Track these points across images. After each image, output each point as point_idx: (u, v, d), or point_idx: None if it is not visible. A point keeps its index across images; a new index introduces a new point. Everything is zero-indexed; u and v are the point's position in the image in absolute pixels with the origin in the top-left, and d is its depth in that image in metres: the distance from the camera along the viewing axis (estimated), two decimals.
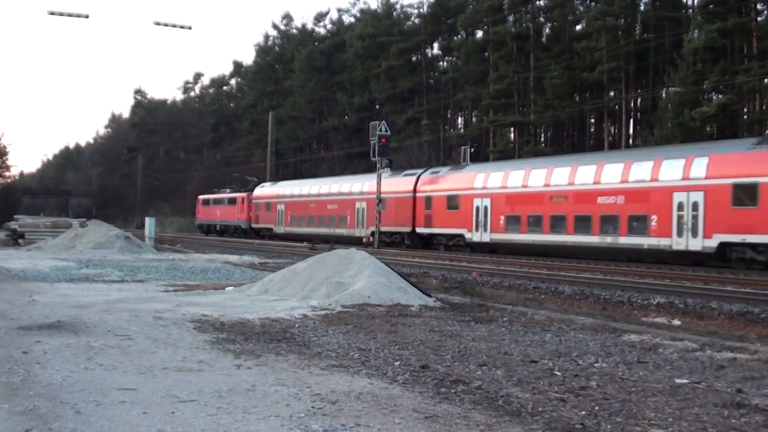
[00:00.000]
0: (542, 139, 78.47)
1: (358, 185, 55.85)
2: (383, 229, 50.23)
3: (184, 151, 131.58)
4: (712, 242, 31.16)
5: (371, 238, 49.32)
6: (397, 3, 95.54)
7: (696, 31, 51.24)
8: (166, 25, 50.64)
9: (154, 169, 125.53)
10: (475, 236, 43.29)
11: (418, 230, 48.94)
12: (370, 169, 55.33)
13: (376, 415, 6.63)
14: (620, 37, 62.29)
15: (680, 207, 32.58)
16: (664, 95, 57.39)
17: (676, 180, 32.92)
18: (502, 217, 41.67)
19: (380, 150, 47.41)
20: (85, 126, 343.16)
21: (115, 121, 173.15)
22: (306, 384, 7.82)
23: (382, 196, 49.88)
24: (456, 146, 68.38)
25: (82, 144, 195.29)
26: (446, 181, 47.50)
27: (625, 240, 34.95)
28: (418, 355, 9.61)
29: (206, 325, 11.91)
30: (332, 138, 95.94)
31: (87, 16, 48.68)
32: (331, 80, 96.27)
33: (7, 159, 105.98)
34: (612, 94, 66.16)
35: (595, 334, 11.88)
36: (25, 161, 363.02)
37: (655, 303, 19.67)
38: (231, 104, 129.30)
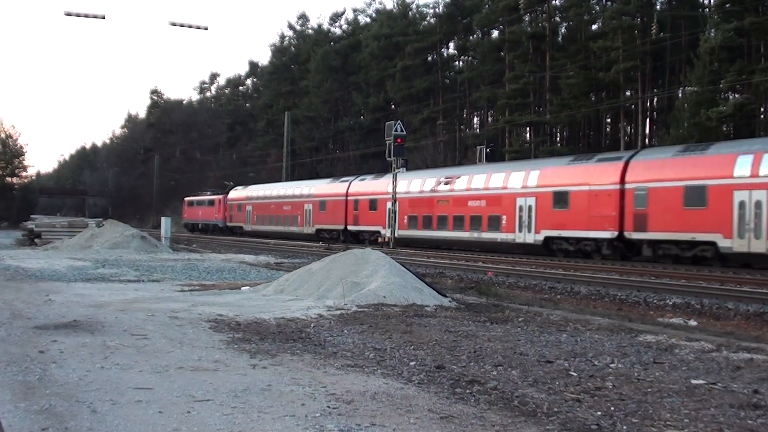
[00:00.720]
0: (558, 138, 78.30)
1: (306, 189, 65.84)
2: (324, 227, 60.67)
3: (200, 151, 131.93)
4: (540, 236, 40.13)
5: (387, 238, 49.49)
6: (412, 3, 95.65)
7: (713, 30, 51.05)
8: (182, 25, 50.70)
9: (170, 169, 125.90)
10: (388, 232, 51.25)
11: (349, 228, 57.29)
12: (385, 169, 56.95)
13: (391, 415, 6.63)
14: (636, 36, 62.11)
15: (521, 209, 41.41)
16: (680, 95, 57.16)
17: (519, 188, 41.78)
18: (406, 217, 51.01)
19: (396, 150, 47.45)
20: (101, 126, 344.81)
21: (131, 121, 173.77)
22: (321, 384, 7.82)
23: (322, 199, 61.71)
24: (472, 146, 68.31)
25: (99, 144, 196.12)
26: (369, 187, 56.42)
27: (486, 235, 44.02)
28: (433, 356, 9.60)
29: (222, 325, 11.94)
30: (348, 138, 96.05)
31: (103, 17, 48.69)
32: (346, 80, 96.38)
33: (24, 159, 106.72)
34: (628, 93, 65.95)
35: (610, 335, 11.85)
36: (42, 161, 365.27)
37: (671, 303, 19.58)
38: (247, 104, 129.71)
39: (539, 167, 42.00)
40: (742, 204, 30.50)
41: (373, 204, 54.64)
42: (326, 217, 60.35)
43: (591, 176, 37.88)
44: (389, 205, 50.78)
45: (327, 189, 61.90)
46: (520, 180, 41.69)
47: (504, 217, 42.40)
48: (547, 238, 39.63)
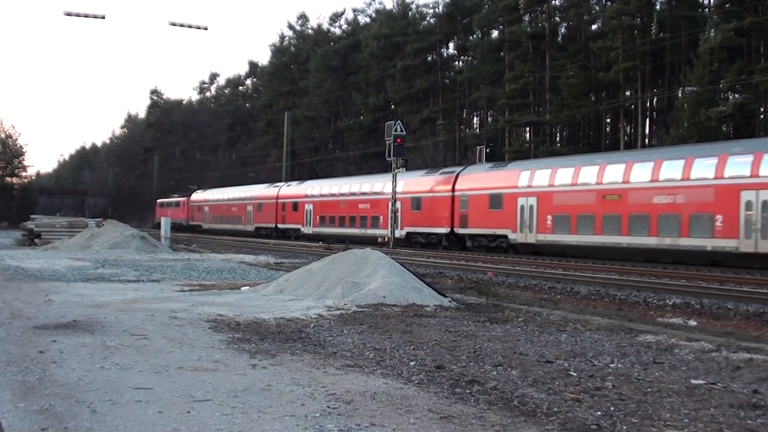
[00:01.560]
0: (558, 138, 78.30)
1: (249, 193, 76.67)
2: (261, 225, 71.45)
3: (200, 151, 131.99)
4: (404, 232, 51.29)
5: (386, 238, 49.60)
6: (412, 3, 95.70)
7: (712, 30, 51.05)
8: (182, 25, 50.74)
9: (170, 170, 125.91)
10: (305, 230, 63.35)
11: (279, 225, 68.20)
12: (385, 169, 57.50)
13: (391, 415, 6.64)
14: (636, 36, 62.15)
15: (415, 205, 51.37)
16: (680, 95, 57.13)
17: (389, 193, 50.52)
18: (317, 217, 62.10)
19: (396, 150, 47.51)
20: (101, 126, 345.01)
21: (131, 121, 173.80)
22: (321, 384, 7.83)
23: (260, 201, 72.75)
24: (471, 146, 68.37)
25: (99, 144, 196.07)
26: (293, 191, 67.76)
27: (370, 231, 54.95)
28: (433, 356, 9.60)
29: (222, 325, 11.94)
30: (348, 138, 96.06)
31: (103, 17, 48.70)
32: (346, 80, 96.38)
33: (23, 159, 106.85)
34: (628, 93, 65.97)
35: (610, 335, 11.85)
36: (42, 161, 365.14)
37: (670, 303, 19.59)
38: (246, 104, 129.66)
39: (404, 178, 52.04)
40: (522, 207, 41.50)
41: (295, 206, 65.88)
42: (262, 216, 71.62)
43: (435, 185, 49.89)
44: (307, 207, 63.69)
45: (263, 193, 73.10)
46: (448, 182, 48.88)
47: (381, 217, 53.83)
48: (408, 233, 51.13)
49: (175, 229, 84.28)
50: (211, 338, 10.74)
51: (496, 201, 43.13)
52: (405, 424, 6.37)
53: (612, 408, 6.99)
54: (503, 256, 38.88)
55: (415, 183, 51.76)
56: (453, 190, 47.17)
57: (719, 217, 31.48)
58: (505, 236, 42.23)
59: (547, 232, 39.58)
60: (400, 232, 50.92)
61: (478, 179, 45.75)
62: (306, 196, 64.07)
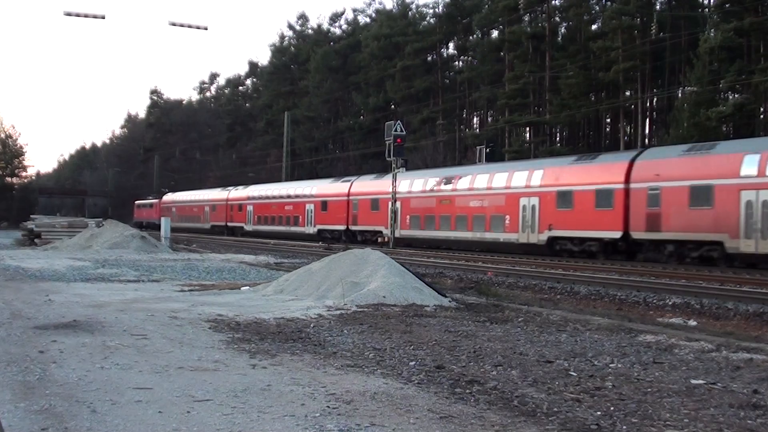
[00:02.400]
0: (558, 138, 78.32)
1: (206, 195, 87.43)
2: (215, 223, 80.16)
3: (200, 151, 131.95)
4: (315, 229, 60.87)
5: (387, 238, 49.59)
6: (412, 3, 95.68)
7: (712, 30, 51.05)
8: (182, 25, 50.64)
9: (170, 170, 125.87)
10: (247, 227, 73.15)
11: (228, 224, 77.49)
12: (385, 169, 57.55)
13: (391, 415, 6.64)
14: (636, 36, 62.15)
15: (323, 207, 60.68)
16: (680, 95, 57.15)
17: (306, 196, 62.48)
18: (256, 216, 72.03)
19: (395, 150, 47.48)
20: (101, 126, 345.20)
21: (131, 121, 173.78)
22: (321, 384, 7.83)
23: (213, 203, 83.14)
24: (471, 146, 68.37)
25: (99, 144, 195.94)
26: (241, 194, 77.08)
27: (293, 228, 64.57)
28: (433, 355, 9.61)
29: (222, 325, 11.94)
30: (348, 138, 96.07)
31: (103, 17, 48.62)
32: (346, 80, 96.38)
33: (23, 159, 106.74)
34: (628, 93, 65.96)
35: (610, 335, 11.85)
36: (42, 161, 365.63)
37: (670, 303, 19.58)
38: (246, 104, 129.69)
39: (317, 184, 64.22)
40: (248, 211, 57.56)
41: (240, 207, 75.75)
42: (216, 216, 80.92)
43: (337, 191, 59.78)
44: (249, 208, 73.79)
45: (217, 196, 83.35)
46: (345, 188, 58.78)
47: (300, 216, 63.77)
48: (319, 230, 60.63)
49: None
50: (211, 338, 10.74)
51: (375, 204, 53.94)
52: (405, 424, 6.37)
53: (612, 408, 7.00)
54: (503, 257, 38.82)
55: (325, 188, 62.31)
56: (348, 194, 57.77)
57: (507, 216, 42.08)
58: (381, 232, 52.52)
59: (405, 229, 50.37)
60: (312, 229, 61.56)
61: (366, 186, 56.57)
62: (248, 198, 74.49)
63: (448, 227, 46.45)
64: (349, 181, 59.84)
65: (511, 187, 42.09)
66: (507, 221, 42.05)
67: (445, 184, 47.78)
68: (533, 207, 40.36)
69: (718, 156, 32.60)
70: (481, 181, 44.79)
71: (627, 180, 35.68)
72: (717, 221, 31.46)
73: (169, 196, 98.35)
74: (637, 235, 35.09)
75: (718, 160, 32.17)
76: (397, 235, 49.20)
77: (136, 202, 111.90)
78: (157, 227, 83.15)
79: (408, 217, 50.46)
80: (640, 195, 35.00)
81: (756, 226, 29.71)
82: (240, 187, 79.73)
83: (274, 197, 69.73)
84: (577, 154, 45.59)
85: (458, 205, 45.94)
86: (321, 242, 54.18)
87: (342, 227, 57.54)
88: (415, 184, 50.71)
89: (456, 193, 46.59)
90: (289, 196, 66.93)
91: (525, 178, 41.47)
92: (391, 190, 48.80)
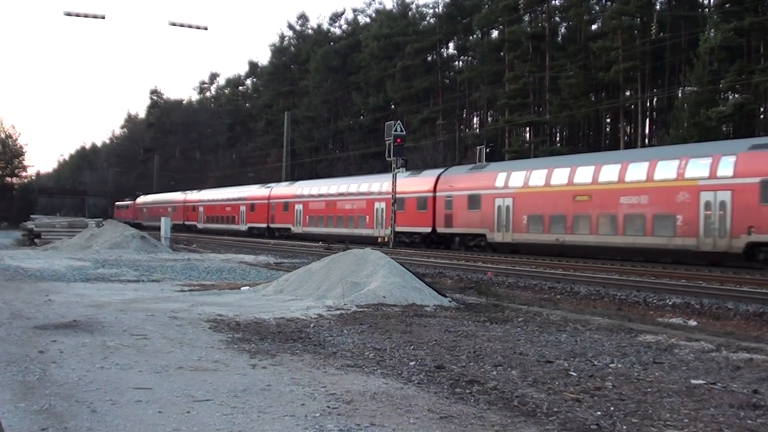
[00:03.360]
0: (558, 138, 78.30)
1: (169, 197, 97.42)
2: (176, 222, 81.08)
3: (200, 151, 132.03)
4: (264, 224, 69.91)
5: (387, 238, 49.52)
6: (412, 3, 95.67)
7: (712, 30, 51.01)
8: (182, 25, 50.60)
9: (170, 170, 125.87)
10: (200, 225, 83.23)
11: (186, 222, 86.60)
12: (385, 169, 57.33)
13: (391, 415, 6.64)
14: (636, 36, 62.15)
15: (251, 208, 72.42)
16: (680, 95, 57.12)
17: (242, 199, 75.14)
18: (205, 216, 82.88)
19: (395, 150, 47.46)
20: (101, 126, 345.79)
21: (131, 121, 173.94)
22: (321, 384, 7.83)
23: (174, 204, 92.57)
24: (471, 146, 68.33)
25: (99, 144, 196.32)
26: (194, 196, 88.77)
27: (233, 226, 74.73)
28: (433, 356, 9.60)
29: (222, 325, 11.94)
30: (348, 138, 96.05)
31: (103, 17, 48.57)
32: (346, 80, 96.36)
33: (23, 159, 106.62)
34: (628, 93, 65.94)
35: (610, 335, 11.85)
36: (42, 161, 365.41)
37: (670, 303, 19.57)
38: (246, 104, 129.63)
39: (271, 186, 72.20)
40: (297, 210, 64.10)
41: (194, 208, 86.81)
42: (176, 215, 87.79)
43: (258, 193, 72.64)
44: (200, 209, 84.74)
45: (177, 198, 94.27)
46: (267, 193, 70.88)
47: (236, 216, 76.11)
48: (270, 227, 68.83)
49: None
50: (211, 338, 10.74)
51: (286, 206, 66.24)
52: (405, 424, 6.37)
53: (612, 408, 7.00)
54: (503, 257, 38.83)
55: (253, 193, 74.29)
56: (269, 198, 70.07)
57: (367, 217, 54.33)
58: (289, 228, 64.85)
59: (305, 226, 62.57)
60: (245, 227, 73.20)
61: (281, 191, 69.16)
62: (200, 201, 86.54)
63: (332, 225, 58.53)
64: (269, 187, 72.12)
65: (369, 193, 54.78)
66: (367, 220, 54.27)
67: (329, 191, 61.01)
68: (383, 209, 52.04)
69: (485, 174, 44.88)
70: (353, 188, 57.81)
71: (434, 190, 48.21)
72: (482, 220, 43.63)
73: (141, 199, 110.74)
74: (440, 230, 47.72)
75: (485, 177, 44.46)
76: (299, 231, 62.99)
77: (116, 203, 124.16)
78: (132, 226, 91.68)
79: (308, 216, 62.58)
80: (441, 201, 47.59)
81: (503, 223, 42.12)
82: (195, 191, 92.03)
83: (218, 200, 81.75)
84: (411, 170, 54.80)
85: (338, 207, 58.50)
86: (250, 237, 66.87)
87: (264, 225, 69.65)
88: (312, 189, 63.76)
89: (335, 198, 59.28)
90: (228, 200, 79.06)
91: (378, 186, 53.59)
92: (294, 193, 65.61)
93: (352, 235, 53.74)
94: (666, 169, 34.17)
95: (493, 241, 43.12)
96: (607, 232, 36.32)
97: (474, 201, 44.36)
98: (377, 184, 53.66)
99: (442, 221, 46.80)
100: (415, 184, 49.85)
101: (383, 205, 50.78)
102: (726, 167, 31.59)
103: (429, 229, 47.98)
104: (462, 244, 45.89)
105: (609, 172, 36.86)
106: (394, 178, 48.21)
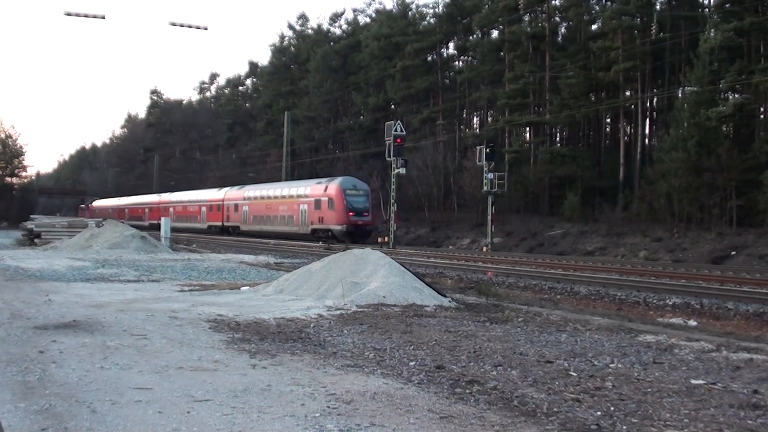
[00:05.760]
0: (558, 138, 78.21)
1: (125, 201, 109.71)
2: (134, 222, 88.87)
3: (200, 151, 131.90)
4: (207, 224, 79.51)
5: (387, 238, 49.55)
6: (412, 3, 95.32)
7: (712, 30, 50.90)
8: (182, 25, 50.53)
9: (170, 170, 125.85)
10: (144, 223, 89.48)
11: (152, 222, 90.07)
12: (384, 169, 57.51)
13: (391, 415, 6.64)
14: (636, 36, 62.00)
15: (209, 209, 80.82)
16: (680, 95, 57.02)
17: (203, 201, 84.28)
18: (175, 216, 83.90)
19: (395, 150, 47.48)
20: (101, 126, 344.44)
21: (131, 121, 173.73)
22: (321, 384, 7.83)
23: (128, 206, 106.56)
24: (471, 146, 68.20)
25: (99, 144, 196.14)
26: (140, 199, 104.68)
27: (196, 225, 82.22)
28: (433, 356, 9.61)
29: (222, 325, 11.94)
30: (348, 138, 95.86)
31: (103, 17, 48.56)
32: (346, 80, 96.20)
33: (23, 159, 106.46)
34: (628, 93, 65.79)
35: (610, 335, 11.85)
36: (42, 162, 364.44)
37: (670, 303, 19.59)
38: (246, 104, 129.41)
39: (225, 189, 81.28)
40: (170, 211, 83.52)
41: (166, 209, 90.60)
42: (131, 215, 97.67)
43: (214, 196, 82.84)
44: (171, 209, 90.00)
45: (131, 201, 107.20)
46: (222, 195, 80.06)
47: (198, 216, 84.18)
48: (210, 225, 79.52)
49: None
50: (211, 338, 10.74)
51: (236, 207, 75.32)
52: (405, 424, 6.37)
53: (612, 408, 7.00)
54: (503, 256, 38.86)
55: (212, 195, 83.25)
56: (223, 200, 78.68)
57: (294, 216, 64.45)
58: (239, 226, 73.22)
59: (250, 224, 71.45)
60: (205, 225, 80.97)
61: (233, 194, 77.29)
62: (170, 202, 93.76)
63: (269, 223, 68.10)
64: (224, 190, 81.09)
65: (294, 196, 65.41)
66: (295, 218, 64.34)
67: (267, 194, 70.76)
68: (305, 210, 63.00)
69: (241, 190, 76.07)
70: (285, 192, 68.46)
71: (223, 199, 79.15)
72: (240, 217, 73.89)
73: (97, 202, 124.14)
74: (226, 223, 75.67)
75: (241, 191, 75.58)
76: (246, 228, 71.23)
77: (80, 205, 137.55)
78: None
79: (252, 216, 71.69)
80: (227, 205, 77.92)
81: (246, 219, 71.26)
82: (167, 194, 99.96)
83: (186, 201, 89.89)
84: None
85: (274, 208, 68.36)
86: (210, 235, 74.59)
87: (220, 223, 77.74)
88: (256, 193, 72.74)
89: (272, 201, 69.25)
90: (192, 201, 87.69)
91: (305, 191, 64.88)
92: (243, 196, 74.36)
93: (284, 232, 64.62)
94: (290, 191, 67.13)
95: (242, 230, 72.06)
96: (275, 224, 66.86)
97: (237, 206, 74.58)
98: (303, 188, 65.49)
99: (228, 218, 76.23)
100: (217, 195, 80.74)
101: (306, 206, 62.81)
102: (306, 191, 63.45)
103: (221, 223, 76.92)
104: (233, 231, 73.23)
105: (273, 191, 70.32)
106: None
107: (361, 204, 58.65)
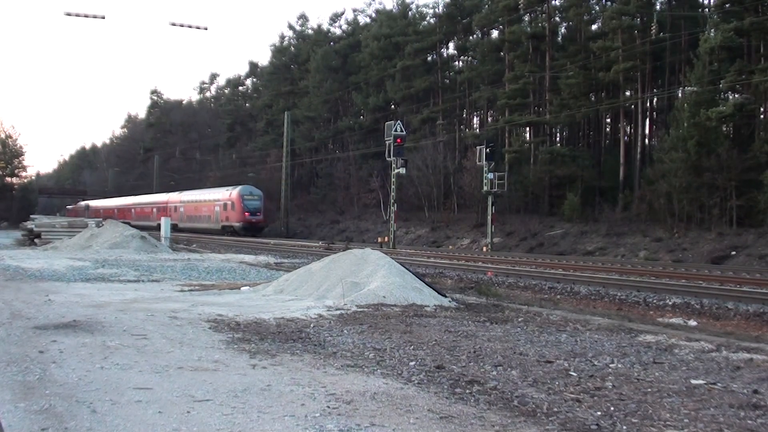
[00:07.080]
0: (558, 138, 78.19)
1: (101, 204, 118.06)
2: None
3: (200, 151, 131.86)
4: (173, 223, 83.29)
5: (387, 238, 49.56)
6: (412, 3, 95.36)
7: (712, 30, 50.91)
8: (182, 25, 50.81)
9: (170, 170, 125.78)
10: (132, 222, 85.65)
11: (122, 221, 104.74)
12: (384, 169, 57.36)
13: (391, 415, 6.64)
14: (636, 36, 61.97)
15: (157, 210, 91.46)
16: (680, 95, 57.01)
17: (154, 203, 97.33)
18: (136, 215, 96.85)
19: (396, 150, 47.49)
20: (101, 126, 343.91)
21: (131, 121, 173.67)
22: (321, 384, 7.83)
23: (102, 208, 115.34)
24: (472, 146, 68.19)
25: (99, 144, 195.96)
26: (129, 200, 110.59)
27: (147, 224, 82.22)
28: (433, 356, 9.60)
29: (222, 325, 11.94)
30: (348, 138, 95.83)
31: (103, 17, 48.84)
32: (346, 80, 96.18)
33: (23, 159, 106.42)
34: (628, 93, 65.77)
35: (610, 335, 11.85)
36: (42, 162, 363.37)
37: (670, 303, 19.59)
38: (246, 104, 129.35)
39: (170, 194, 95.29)
40: (180, 212, 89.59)
41: (130, 209, 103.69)
42: (121, 215, 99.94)
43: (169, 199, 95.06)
44: (133, 210, 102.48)
45: (104, 204, 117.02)
46: (166, 198, 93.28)
47: (150, 215, 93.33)
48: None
49: None
50: (211, 338, 10.74)
51: (174, 209, 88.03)
52: (405, 424, 6.37)
53: (612, 408, 7.00)
54: (503, 256, 38.86)
55: (161, 198, 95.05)
56: (167, 203, 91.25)
57: (210, 215, 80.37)
58: (176, 224, 75.98)
59: (184, 222, 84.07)
60: (155, 223, 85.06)
61: (174, 197, 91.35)
62: (133, 204, 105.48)
63: (196, 221, 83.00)
64: (169, 194, 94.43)
65: (212, 200, 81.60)
66: (211, 217, 79.73)
67: (194, 198, 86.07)
68: (218, 210, 79.28)
69: (176, 194, 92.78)
70: (205, 196, 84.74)
71: (167, 201, 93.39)
72: (177, 216, 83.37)
73: (97, 202, 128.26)
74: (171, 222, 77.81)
75: (177, 196, 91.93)
76: (182, 226, 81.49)
77: (67, 206, 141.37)
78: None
79: (186, 215, 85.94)
80: (169, 207, 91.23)
81: (182, 218, 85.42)
82: (131, 197, 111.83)
83: (144, 203, 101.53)
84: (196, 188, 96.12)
85: (198, 209, 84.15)
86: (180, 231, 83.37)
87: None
88: (189, 197, 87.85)
89: (197, 203, 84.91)
90: (147, 203, 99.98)
91: (218, 195, 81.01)
92: (179, 199, 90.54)
93: (204, 228, 79.98)
94: (209, 195, 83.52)
95: (179, 227, 78.78)
96: (199, 221, 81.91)
97: (176, 208, 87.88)
98: (217, 194, 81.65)
99: (176, 217, 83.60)
100: (162, 198, 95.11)
101: (218, 208, 79.30)
102: (219, 196, 79.88)
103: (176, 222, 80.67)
104: (173, 229, 79.24)
105: (199, 196, 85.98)
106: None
107: (254, 206, 76.37)
